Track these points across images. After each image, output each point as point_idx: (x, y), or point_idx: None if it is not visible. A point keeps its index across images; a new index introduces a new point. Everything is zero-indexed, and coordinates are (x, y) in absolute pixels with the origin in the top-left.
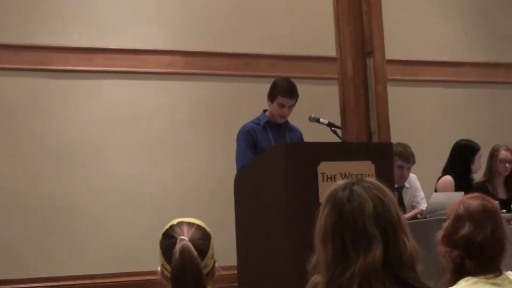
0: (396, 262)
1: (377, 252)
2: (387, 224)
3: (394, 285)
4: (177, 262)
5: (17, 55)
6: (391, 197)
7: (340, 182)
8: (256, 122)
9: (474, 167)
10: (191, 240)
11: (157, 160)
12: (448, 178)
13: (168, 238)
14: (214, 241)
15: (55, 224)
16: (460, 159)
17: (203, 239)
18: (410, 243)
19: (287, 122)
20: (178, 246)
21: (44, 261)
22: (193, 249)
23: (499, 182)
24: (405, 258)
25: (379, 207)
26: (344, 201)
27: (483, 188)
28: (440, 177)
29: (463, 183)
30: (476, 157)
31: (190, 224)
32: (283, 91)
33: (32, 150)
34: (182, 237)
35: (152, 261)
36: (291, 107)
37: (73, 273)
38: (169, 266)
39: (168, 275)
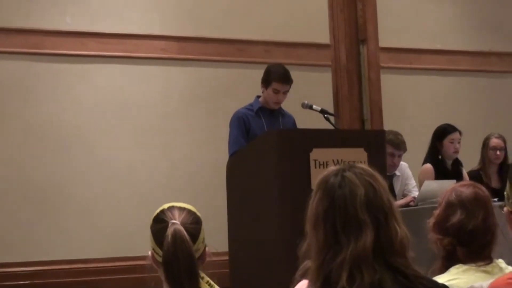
0: (387, 248)
1: (368, 238)
2: (378, 210)
3: (385, 271)
4: (169, 246)
5: (9, 38)
6: (383, 183)
7: (332, 168)
8: (249, 108)
9: (444, 151)
10: (182, 224)
11: (149, 146)
12: (426, 166)
13: (159, 222)
14: (206, 228)
15: (47, 209)
16: (432, 144)
17: (194, 223)
18: (401, 229)
19: (280, 108)
20: (169, 230)
21: (36, 245)
22: (185, 232)
23: (493, 170)
24: (396, 244)
25: (370, 193)
26: (336, 187)
27: (477, 176)
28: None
29: (437, 169)
30: (446, 141)
31: (181, 209)
32: (278, 77)
33: (22, 135)
34: (174, 221)
35: (143, 246)
36: (285, 93)
37: (63, 257)
38: (160, 250)
39: (159, 259)
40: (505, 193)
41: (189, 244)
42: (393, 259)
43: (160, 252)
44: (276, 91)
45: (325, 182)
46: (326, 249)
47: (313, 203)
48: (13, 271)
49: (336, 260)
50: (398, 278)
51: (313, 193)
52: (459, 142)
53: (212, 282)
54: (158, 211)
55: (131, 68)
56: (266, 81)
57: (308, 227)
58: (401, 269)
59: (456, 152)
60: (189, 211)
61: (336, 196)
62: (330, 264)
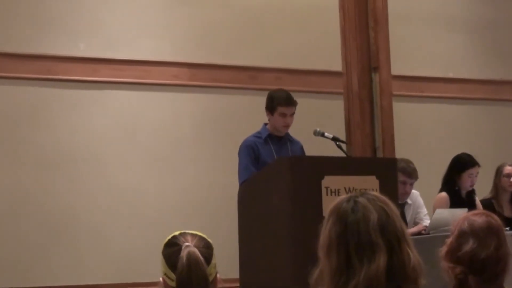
0: (399, 274)
1: (381, 261)
2: (391, 235)
3: None
4: (184, 267)
5: (23, 64)
6: (395, 210)
7: (344, 195)
8: (258, 135)
9: (461, 183)
10: (196, 247)
11: (160, 173)
12: (441, 194)
13: (172, 246)
14: (217, 255)
15: (56, 234)
16: (449, 173)
17: (206, 248)
18: (414, 255)
19: (288, 134)
20: (184, 252)
21: (45, 270)
22: (199, 254)
23: (505, 199)
24: (408, 270)
25: (383, 218)
26: (349, 211)
27: (489, 205)
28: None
29: (453, 199)
30: (465, 174)
31: (193, 234)
32: (283, 101)
33: (35, 160)
34: (187, 244)
35: (153, 272)
36: (292, 115)
37: (74, 283)
38: (173, 274)
39: (172, 283)
40: None
41: (204, 267)
42: (406, 285)
43: (173, 276)
44: (283, 115)
45: (337, 208)
46: (339, 274)
47: (325, 230)
48: None
49: (349, 284)
50: None
51: (325, 220)
52: (476, 176)
53: None
54: (169, 236)
55: (142, 94)
56: (270, 107)
57: (321, 253)
58: None
59: (472, 185)
60: (201, 236)
61: (349, 220)
62: None
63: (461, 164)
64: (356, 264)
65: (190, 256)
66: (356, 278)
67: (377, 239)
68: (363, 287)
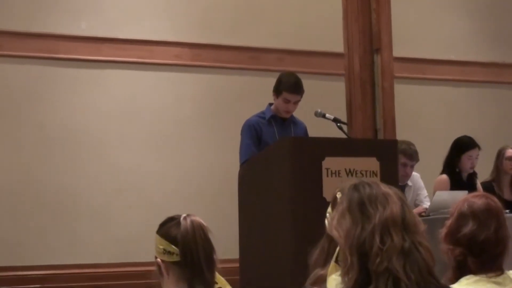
0: (412, 228)
1: (394, 206)
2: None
3: (411, 244)
4: (188, 233)
5: (24, 43)
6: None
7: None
8: (261, 116)
9: (461, 165)
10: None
11: (161, 153)
12: (442, 177)
13: (169, 221)
14: (219, 235)
15: (58, 214)
16: (450, 156)
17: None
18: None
19: (292, 116)
20: (185, 221)
21: (45, 249)
22: (201, 221)
23: (505, 182)
24: (420, 226)
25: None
26: (359, 186)
27: (489, 187)
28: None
29: (453, 181)
30: (465, 156)
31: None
32: (289, 87)
33: (36, 139)
34: (185, 215)
35: (153, 252)
36: (296, 103)
37: (74, 262)
38: (173, 247)
39: (173, 258)
40: None
41: (207, 231)
42: (419, 240)
43: (174, 249)
44: (287, 101)
45: (346, 187)
46: (355, 226)
47: (338, 207)
48: (24, 275)
49: (366, 230)
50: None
51: (334, 204)
52: (476, 158)
53: None
54: (163, 220)
55: (144, 74)
56: (277, 90)
57: (331, 227)
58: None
59: (473, 167)
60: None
61: (361, 189)
62: (361, 236)
63: (461, 146)
64: (371, 212)
65: (193, 222)
66: (372, 222)
67: (389, 191)
68: (380, 227)
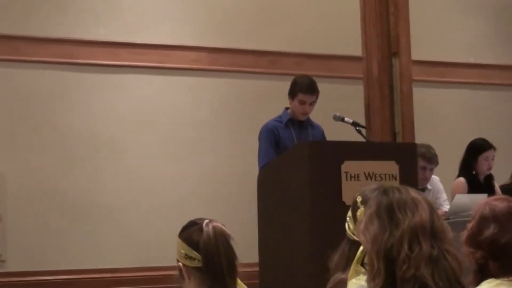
0: (440, 235)
1: (424, 213)
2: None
3: (439, 251)
4: (211, 240)
5: (43, 48)
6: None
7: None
8: (278, 120)
9: (477, 167)
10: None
11: (179, 157)
12: (459, 180)
13: (192, 226)
14: (237, 239)
15: (77, 218)
16: (465, 158)
17: (225, 230)
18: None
19: (308, 119)
20: (207, 228)
21: (66, 254)
22: (223, 227)
23: None
24: (448, 234)
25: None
26: (388, 190)
27: (510, 190)
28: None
29: (470, 184)
30: (481, 158)
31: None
32: (303, 88)
33: (54, 144)
34: (208, 221)
35: (171, 256)
36: (312, 103)
37: (92, 267)
38: (195, 252)
39: (194, 264)
40: None
41: (229, 238)
42: (447, 247)
43: (196, 255)
44: (302, 102)
45: (365, 190)
46: (383, 232)
47: (366, 211)
48: (43, 280)
49: (395, 235)
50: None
51: (352, 209)
52: (493, 159)
53: None
54: (186, 224)
55: (162, 78)
56: (292, 93)
57: (358, 231)
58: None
59: (490, 169)
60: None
61: (390, 194)
62: (389, 242)
63: (477, 148)
64: (400, 217)
65: (215, 229)
66: (401, 227)
67: (419, 197)
68: (408, 234)
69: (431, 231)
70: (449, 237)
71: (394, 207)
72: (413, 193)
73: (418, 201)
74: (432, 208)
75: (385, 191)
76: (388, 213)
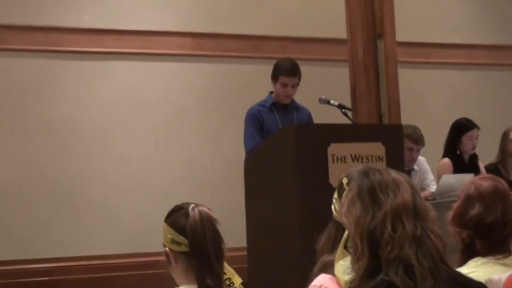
0: (423, 215)
1: (406, 193)
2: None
3: (423, 231)
4: (197, 224)
5: (27, 36)
6: None
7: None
8: (263, 104)
9: (462, 147)
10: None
11: (166, 142)
12: (444, 160)
13: (178, 211)
14: (225, 223)
15: (65, 206)
16: (450, 138)
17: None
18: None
19: (294, 102)
20: (194, 211)
21: (54, 242)
22: (210, 212)
23: (511, 164)
24: (430, 213)
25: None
26: (369, 172)
27: (495, 170)
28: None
29: (455, 164)
30: (465, 137)
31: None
32: (285, 70)
33: (41, 132)
34: (193, 205)
35: (160, 243)
36: (294, 86)
37: (81, 254)
38: (182, 237)
39: (181, 248)
40: None
41: (215, 222)
42: (430, 227)
43: (183, 240)
44: (284, 85)
45: (354, 173)
46: (365, 214)
47: (347, 195)
48: (33, 268)
49: (377, 217)
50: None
51: (338, 191)
52: (476, 138)
53: (232, 281)
54: (172, 208)
55: (148, 64)
56: (274, 76)
57: (341, 215)
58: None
59: (474, 148)
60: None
61: (371, 175)
62: (372, 224)
63: (461, 128)
64: (382, 199)
65: (201, 213)
66: (383, 208)
67: (400, 177)
68: (391, 214)
69: (413, 211)
70: (432, 216)
71: (375, 188)
72: (394, 174)
73: (399, 181)
74: (414, 189)
75: (365, 173)
76: (370, 194)
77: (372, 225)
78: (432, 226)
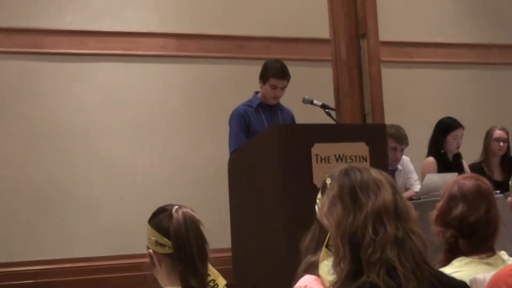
0: (404, 216)
1: (387, 194)
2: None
3: (404, 232)
4: (181, 226)
5: (9, 38)
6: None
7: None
8: (249, 104)
9: (446, 146)
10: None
11: (150, 144)
12: (429, 159)
13: (161, 213)
14: (210, 225)
15: (49, 208)
16: (434, 137)
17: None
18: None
19: (278, 103)
20: (177, 214)
21: (38, 245)
22: (193, 213)
23: (495, 163)
24: (411, 213)
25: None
26: (350, 172)
27: (479, 169)
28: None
29: (440, 163)
30: (450, 137)
31: (178, 205)
32: (275, 72)
33: (23, 134)
34: (177, 207)
35: (144, 244)
36: (283, 88)
37: (65, 256)
38: (166, 239)
39: (165, 250)
40: (510, 182)
41: (199, 223)
42: (411, 227)
43: (166, 242)
44: (274, 87)
45: (335, 172)
46: (346, 215)
47: (327, 194)
48: (16, 271)
49: (358, 219)
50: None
51: (324, 189)
52: (461, 138)
53: (216, 282)
54: (155, 210)
55: (131, 66)
56: (263, 77)
57: (321, 215)
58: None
59: (458, 147)
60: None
61: (351, 175)
62: (353, 226)
63: (445, 127)
64: (363, 200)
65: (185, 215)
66: (364, 210)
67: (381, 177)
68: (372, 217)
69: (394, 212)
70: (413, 216)
71: (356, 189)
72: (374, 173)
73: (380, 181)
74: (395, 188)
75: (346, 173)
76: (351, 195)
77: (353, 228)
78: (413, 227)
